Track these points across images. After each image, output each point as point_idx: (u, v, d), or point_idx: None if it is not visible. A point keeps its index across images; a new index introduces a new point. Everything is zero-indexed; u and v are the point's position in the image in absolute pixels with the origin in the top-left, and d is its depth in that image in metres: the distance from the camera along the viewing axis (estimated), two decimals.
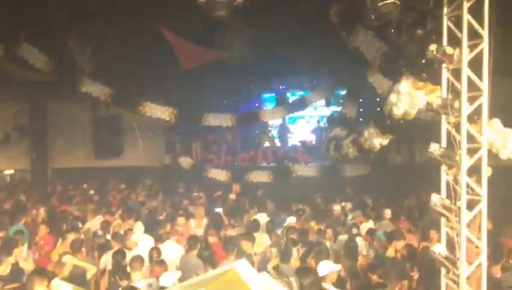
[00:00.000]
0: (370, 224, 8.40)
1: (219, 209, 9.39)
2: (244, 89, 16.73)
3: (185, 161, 15.05)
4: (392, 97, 5.72)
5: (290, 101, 15.56)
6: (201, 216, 8.88)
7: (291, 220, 8.27)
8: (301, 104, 14.49)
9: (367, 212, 9.17)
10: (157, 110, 13.00)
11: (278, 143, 17.11)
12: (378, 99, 10.54)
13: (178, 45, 12.14)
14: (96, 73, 12.67)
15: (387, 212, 8.72)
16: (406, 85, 5.42)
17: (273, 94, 17.35)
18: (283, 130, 17.52)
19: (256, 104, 17.31)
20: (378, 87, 9.75)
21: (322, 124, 16.88)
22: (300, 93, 16.29)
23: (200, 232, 8.23)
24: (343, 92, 14.80)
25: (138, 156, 15.48)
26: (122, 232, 7.79)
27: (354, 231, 7.59)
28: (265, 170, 14.02)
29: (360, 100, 13.62)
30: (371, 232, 7.59)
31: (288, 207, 9.93)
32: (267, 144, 16.59)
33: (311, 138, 17.29)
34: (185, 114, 13.39)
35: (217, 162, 15.42)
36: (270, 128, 17.11)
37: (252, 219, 8.36)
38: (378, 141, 8.54)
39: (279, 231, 7.92)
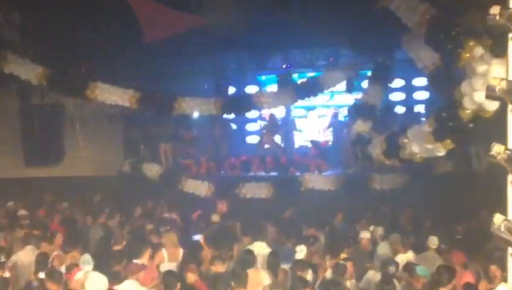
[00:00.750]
0: (409, 256, 8.42)
1: (198, 237, 9.37)
2: (233, 68, 16.71)
3: (151, 169, 15.06)
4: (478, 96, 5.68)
5: (297, 84, 15.54)
6: (175, 245, 8.89)
7: (301, 251, 8.26)
8: (312, 89, 14.42)
9: (405, 240, 9.20)
10: (112, 94, 13.08)
11: (280, 143, 17.11)
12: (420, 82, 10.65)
13: (140, 9, 12.11)
14: (27, 48, 12.63)
15: (433, 240, 8.73)
16: None
17: (274, 75, 17.36)
18: (288, 126, 17.54)
19: (250, 88, 17.35)
20: (417, 60, 9.77)
21: (341, 118, 16.96)
22: (311, 74, 16.29)
23: (173, 266, 8.23)
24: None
25: (86, 162, 15.41)
26: (63, 268, 7.75)
27: (392, 269, 7.58)
28: (264, 181, 14.04)
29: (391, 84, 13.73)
30: (409, 267, 7.56)
31: (296, 233, 9.93)
32: (266, 145, 16.59)
33: (327, 137, 17.33)
34: (150, 99, 13.45)
35: (196, 170, 15.41)
36: (273, 123, 17.03)
37: (245, 250, 8.33)
38: (432, 150, 8.59)
39: (285, 266, 7.92)
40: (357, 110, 13.86)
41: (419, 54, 9.88)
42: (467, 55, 7.14)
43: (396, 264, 7.85)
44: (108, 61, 13.74)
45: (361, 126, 13.04)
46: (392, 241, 9.08)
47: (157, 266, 8.25)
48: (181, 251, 8.75)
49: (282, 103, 15.01)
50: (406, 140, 9.26)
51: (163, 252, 8.57)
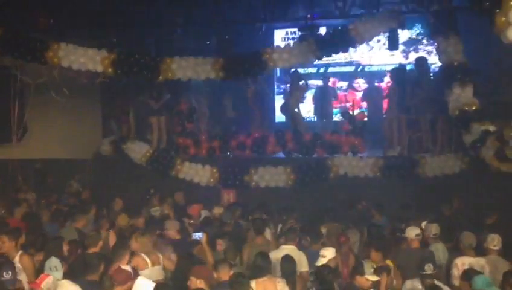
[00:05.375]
0: (470, 260, 8.39)
1: (199, 235, 9.43)
2: (240, 19, 16.62)
3: (137, 149, 15.16)
4: None
5: (320, 35, 15.35)
6: (150, 252, 8.75)
7: (323, 256, 8.25)
8: (342, 42, 14.26)
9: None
10: (81, 55, 13.15)
11: (303, 115, 17.13)
12: None
13: None
14: None
15: (493, 240, 8.70)
16: None
17: (295, 29, 17.39)
18: (320, 93, 17.60)
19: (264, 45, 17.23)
20: None
21: (380, 82, 17.02)
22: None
23: (158, 271, 8.33)
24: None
25: (53, 141, 15.47)
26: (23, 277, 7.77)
27: (429, 268, 7.57)
28: (282, 165, 14.12)
29: None
30: (467, 274, 7.47)
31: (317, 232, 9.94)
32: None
33: (363, 108, 17.42)
34: (132, 60, 13.53)
35: (195, 151, 15.51)
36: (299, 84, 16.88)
37: (256, 253, 8.32)
38: None
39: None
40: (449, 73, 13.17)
41: None
42: None
43: (435, 262, 7.82)
44: (73, 13, 13.71)
45: (461, 97, 12.44)
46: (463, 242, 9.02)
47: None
48: (173, 257, 8.81)
49: (300, 59, 14.74)
50: None
51: (143, 255, 8.56)
